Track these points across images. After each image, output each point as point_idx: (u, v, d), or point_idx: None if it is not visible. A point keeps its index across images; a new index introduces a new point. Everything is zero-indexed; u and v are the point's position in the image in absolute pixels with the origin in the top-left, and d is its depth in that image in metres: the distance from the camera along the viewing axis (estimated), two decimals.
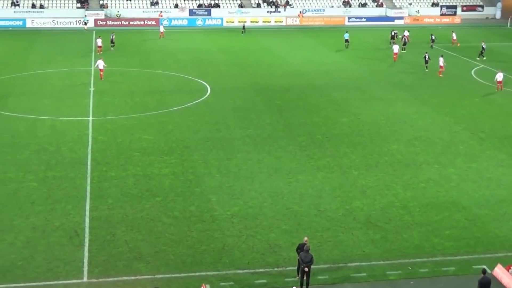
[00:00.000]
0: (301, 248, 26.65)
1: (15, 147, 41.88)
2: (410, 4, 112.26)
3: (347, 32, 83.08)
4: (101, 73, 61.73)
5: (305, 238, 27.30)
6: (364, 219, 32.54)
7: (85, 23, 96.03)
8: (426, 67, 67.36)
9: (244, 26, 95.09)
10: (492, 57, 75.21)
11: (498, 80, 58.83)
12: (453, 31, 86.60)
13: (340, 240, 30.33)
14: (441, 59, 65.39)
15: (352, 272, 27.65)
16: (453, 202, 34.65)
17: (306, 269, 25.85)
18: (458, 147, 43.25)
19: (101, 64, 61.68)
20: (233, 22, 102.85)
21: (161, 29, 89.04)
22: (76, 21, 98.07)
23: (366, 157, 41.22)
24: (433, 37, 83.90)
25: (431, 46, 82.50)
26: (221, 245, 29.68)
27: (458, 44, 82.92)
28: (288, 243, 29.66)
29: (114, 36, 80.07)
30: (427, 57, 67.70)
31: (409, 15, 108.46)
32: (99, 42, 75.42)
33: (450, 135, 45.73)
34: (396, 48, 73.04)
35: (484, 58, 73.81)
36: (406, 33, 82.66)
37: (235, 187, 36.15)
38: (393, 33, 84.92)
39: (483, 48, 75.09)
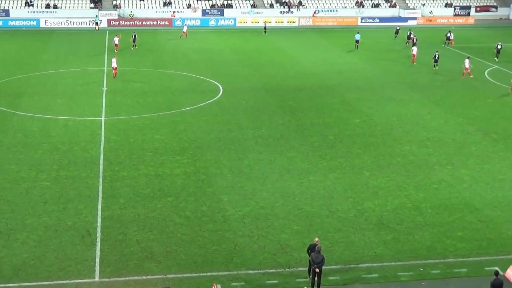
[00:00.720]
0: (312, 249, 26.60)
1: (28, 147, 42.07)
2: (424, 4, 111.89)
3: (358, 33, 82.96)
4: (115, 71, 62.13)
5: (316, 239, 27.25)
6: (376, 220, 32.46)
7: (97, 23, 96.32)
8: (435, 65, 68.35)
9: (265, 26, 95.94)
10: (506, 57, 74.85)
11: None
12: (450, 31, 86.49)
13: (351, 241, 30.27)
14: (467, 61, 64.85)
15: (363, 273, 27.60)
16: (466, 203, 34.50)
17: (317, 270, 25.81)
18: (471, 148, 43.07)
19: (114, 62, 62.19)
20: (246, 22, 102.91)
21: (185, 29, 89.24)
22: (90, 21, 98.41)
23: (378, 158, 41.13)
24: (448, 35, 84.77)
25: (445, 44, 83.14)
26: (233, 245, 29.69)
27: (452, 44, 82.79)
28: (300, 244, 29.62)
29: (136, 36, 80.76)
30: (437, 56, 68.13)
31: (422, 16, 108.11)
32: (116, 40, 75.53)
33: (463, 136, 45.54)
34: (415, 50, 72.62)
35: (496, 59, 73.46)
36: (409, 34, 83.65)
37: (246, 187, 36.16)
38: (409, 33, 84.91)
39: (498, 48, 74.79)
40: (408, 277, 27.41)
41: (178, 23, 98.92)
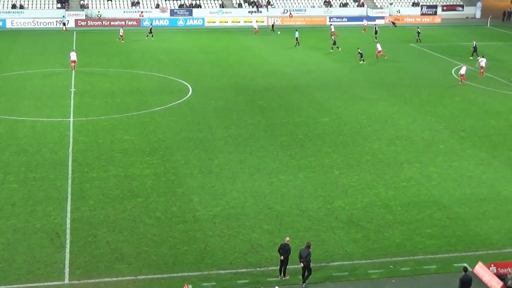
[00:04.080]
0: (282, 248, 26.75)
1: None
2: (391, 4, 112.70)
3: (296, 30, 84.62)
4: (73, 64, 64.60)
5: (287, 238, 27.38)
6: (346, 218, 32.63)
7: (64, 24, 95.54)
8: (360, 60, 70.71)
9: (273, 25, 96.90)
10: (473, 56, 75.64)
11: (461, 73, 61.95)
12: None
13: (322, 240, 30.39)
14: (483, 59, 65.19)
15: (334, 271, 27.73)
16: (434, 200, 34.84)
17: (302, 264, 26.32)
18: (439, 146, 43.49)
19: (73, 55, 64.84)
20: (215, 22, 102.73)
21: (121, 31, 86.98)
22: (57, 21, 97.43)
23: (347, 156, 41.34)
24: (419, 30, 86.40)
25: (417, 41, 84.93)
26: (203, 246, 29.66)
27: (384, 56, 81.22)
28: (271, 243, 29.69)
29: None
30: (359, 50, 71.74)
31: (390, 15, 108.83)
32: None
33: (431, 134, 45.97)
34: (379, 46, 74.12)
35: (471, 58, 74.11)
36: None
37: (217, 187, 36.12)
38: (376, 29, 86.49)
39: (474, 47, 75.65)
40: (378, 275, 27.60)
41: (146, 23, 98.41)
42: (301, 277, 26.75)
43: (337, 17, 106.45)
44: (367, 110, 51.97)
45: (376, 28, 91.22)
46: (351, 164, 40.06)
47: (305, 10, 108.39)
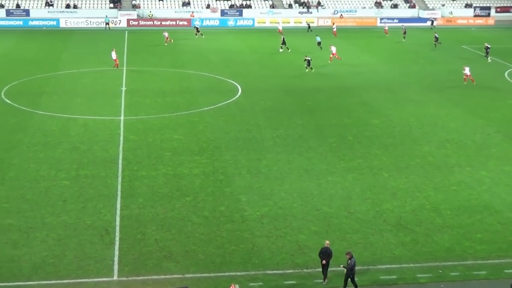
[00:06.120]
0: (324, 252, 26.72)
1: (48, 146, 42.32)
2: (443, 5, 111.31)
3: (317, 36, 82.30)
4: (116, 62, 66.62)
5: (327, 242, 27.30)
6: (395, 221, 32.33)
7: (107, 23, 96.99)
8: (306, 67, 66.69)
9: (309, 25, 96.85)
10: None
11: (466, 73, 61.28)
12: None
13: (370, 242, 30.17)
14: (467, 68, 64.00)
15: (382, 275, 27.51)
16: (485, 205, 34.28)
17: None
18: (491, 150, 42.77)
19: (113, 54, 66.70)
20: (265, 22, 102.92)
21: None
22: (109, 21, 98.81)
23: (397, 159, 40.96)
24: (436, 35, 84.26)
25: (436, 45, 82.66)
26: (251, 246, 29.70)
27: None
28: (318, 245, 29.52)
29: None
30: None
31: (442, 16, 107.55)
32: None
33: (483, 138, 45.24)
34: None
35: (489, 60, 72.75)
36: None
37: (265, 187, 36.15)
38: (405, 29, 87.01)
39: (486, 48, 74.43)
40: (426, 279, 27.29)
41: (197, 23, 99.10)
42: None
43: (387, 18, 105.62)
44: (418, 112, 51.41)
45: (404, 28, 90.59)
46: (400, 166, 39.68)
47: (355, 11, 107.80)
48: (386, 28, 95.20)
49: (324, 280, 26.79)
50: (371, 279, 27.15)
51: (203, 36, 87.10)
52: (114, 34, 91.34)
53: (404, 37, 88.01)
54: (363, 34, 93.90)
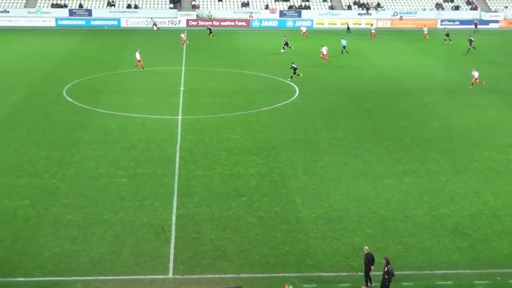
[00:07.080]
0: (371, 258, 26.44)
1: (107, 144, 43.01)
2: (506, 7, 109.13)
3: (343, 38, 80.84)
4: (140, 63, 66.44)
5: (366, 247, 27.11)
6: (452, 226, 31.85)
7: (155, 24, 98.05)
8: (292, 75, 62.73)
9: (348, 27, 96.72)
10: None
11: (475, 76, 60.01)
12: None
13: (426, 247, 29.79)
14: (476, 73, 62.44)
15: (438, 280, 27.14)
16: None
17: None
18: None
19: (137, 55, 66.70)
20: (323, 24, 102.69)
21: (303, 29, 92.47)
22: (169, 21, 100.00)
23: (455, 163, 40.34)
24: (471, 38, 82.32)
25: (469, 50, 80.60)
26: (305, 247, 29.65)
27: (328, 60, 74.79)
28: (373, 248, 29.27)
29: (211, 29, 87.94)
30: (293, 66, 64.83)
31: (504, 19, 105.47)
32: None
33: None
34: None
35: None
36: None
37: (320, 189, 36.04)
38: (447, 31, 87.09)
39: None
40: (484, 286, 26.81)
41: (255, 24, 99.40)
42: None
43: (448, 20, 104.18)
44: (478, 116, 50.55)
45: (447, 30, 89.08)
46: (459, 171, 39.06)
47: (415, 13, 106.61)
48: (426, 31, 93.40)
49: (367, 284, 26.54)
50: (426, 284, 26.81)
51: (214, 37, 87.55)
52: (174, 34, 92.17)
53: (445, 40, 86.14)
54: (423, 36, 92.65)
